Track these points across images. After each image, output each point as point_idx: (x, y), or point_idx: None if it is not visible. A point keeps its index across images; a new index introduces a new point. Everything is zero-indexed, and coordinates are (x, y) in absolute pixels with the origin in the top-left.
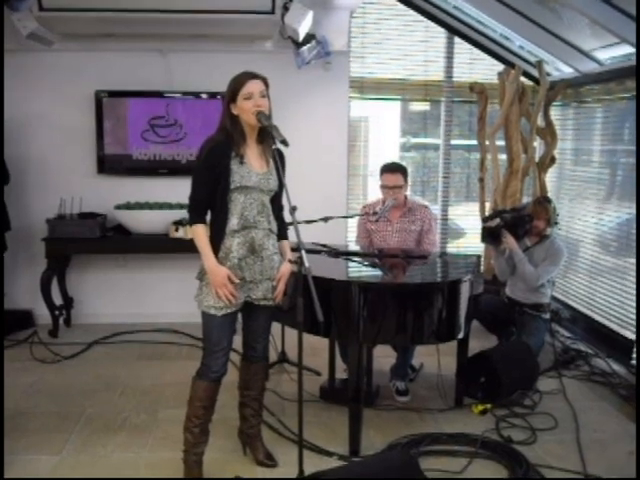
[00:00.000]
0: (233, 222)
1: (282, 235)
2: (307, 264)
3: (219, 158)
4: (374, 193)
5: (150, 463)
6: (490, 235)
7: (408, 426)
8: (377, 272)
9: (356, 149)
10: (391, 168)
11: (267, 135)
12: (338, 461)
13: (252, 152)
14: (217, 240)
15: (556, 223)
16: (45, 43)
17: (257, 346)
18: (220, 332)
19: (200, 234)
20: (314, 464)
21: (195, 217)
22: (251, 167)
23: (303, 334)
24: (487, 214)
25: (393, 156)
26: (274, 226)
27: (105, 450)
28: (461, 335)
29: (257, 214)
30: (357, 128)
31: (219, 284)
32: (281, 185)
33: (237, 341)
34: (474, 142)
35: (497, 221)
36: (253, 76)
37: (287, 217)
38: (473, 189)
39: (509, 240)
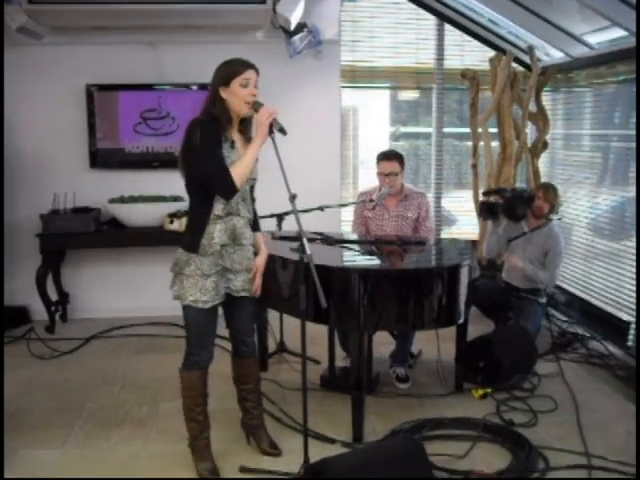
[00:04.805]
0: (218, 207)
1: (255, 227)
2: (309, 251)
3: (215, 138)
4: (365, 182)
5: (154, 455)
6: (488, 210)
7: (409, 412)
8: (374, 259)
9: (346, 138)
10: (387, 155)
11: (249, 125)
12: (342, 448)
13: (236, 137)
14: (200, 225)
15: (556, 212)
16: (35, 37)
17: (248, 340)
18: (208, 323)
19: (241, 161)
20: (318, 452)
21: (230, 177)
22: (240, 152)
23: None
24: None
25: (383, 145)
26: (251, 216)
27: (108, 443)
28: (461, 320)
29: (240, 201)
30: (346, 117)
31: (271, 112)
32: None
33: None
34: (464, 129)
35: (497, 197)
36: (251, 65)
37: (282, 206)
38: (464, 177)
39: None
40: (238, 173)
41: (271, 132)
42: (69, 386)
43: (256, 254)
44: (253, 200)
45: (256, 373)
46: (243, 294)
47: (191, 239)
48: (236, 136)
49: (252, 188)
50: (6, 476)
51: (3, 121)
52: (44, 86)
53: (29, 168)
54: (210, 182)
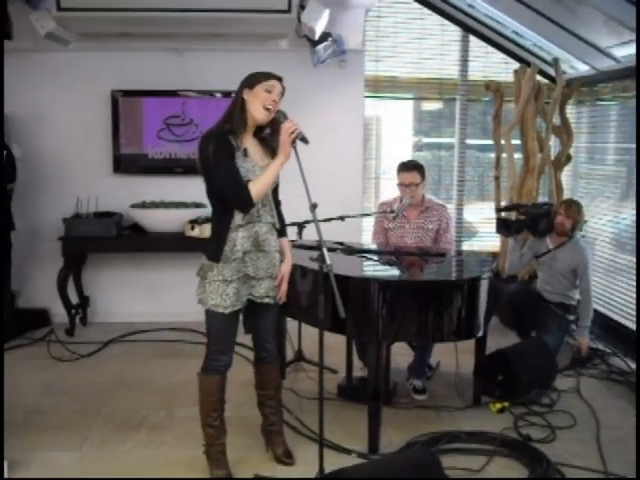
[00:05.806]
0: (238, 217)
1: (281, 232)
2: (329, 261)
3: (228, 150)
4: (386, 193)
5: (170, 460)
6: (504, 226)
7: (426, 424)
8: (394, 270)
9: (368, 148)
10: (407, 166)
11: (267, 134)
12: (357, 459)
13: (250, 144)
14: (222, 233)
15: (580, 230)
16: (62, 43)
17: (268, 346)
18: (228, 329)
19: (262, 178)
20: (333, 462)
21: (248, 193)
22: (254, 160)
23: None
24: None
25: (405, 156)
26: (276, 220)
27: (125, 447)
28: (480, 333)
29: (261, 207)
30: (369, 127)
31: (291, 127)
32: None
33: (247, 339)
34: (486, 141)
35: (512, 214)
36: (279, 78)
37: (303, 215)
38: (486, 189)
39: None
40: (256, 189)
41: (293, 142)
42: (87, 389)
43: (282, 260)
44: (278, 203)
45: (276, 379)
46: (267, 301)
47: (214, 247)
48: (250, 143)
49: (275, 191)
50: (21, 476)
51: (3, 121)
52: (70, 91)
53: (53, 172)
54: (226, 197)
